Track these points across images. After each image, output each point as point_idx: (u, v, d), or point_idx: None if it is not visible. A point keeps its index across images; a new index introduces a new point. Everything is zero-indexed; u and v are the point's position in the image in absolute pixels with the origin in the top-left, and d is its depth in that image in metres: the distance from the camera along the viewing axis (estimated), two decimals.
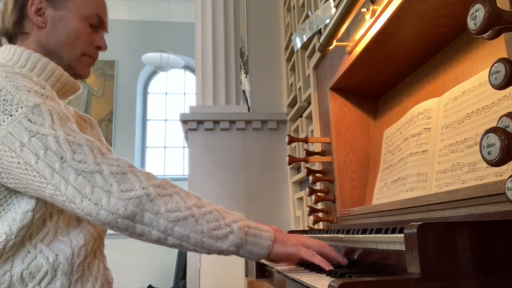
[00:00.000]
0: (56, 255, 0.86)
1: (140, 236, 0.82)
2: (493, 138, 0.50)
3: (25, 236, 0.85)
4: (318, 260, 0.88)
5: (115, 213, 0.78)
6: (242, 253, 0.88)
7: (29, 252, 0.85)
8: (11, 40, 0.99)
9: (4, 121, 0.80)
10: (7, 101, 0.81)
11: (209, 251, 0.86)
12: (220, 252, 0.86)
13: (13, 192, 0.85)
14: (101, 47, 1.05)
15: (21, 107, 0.81)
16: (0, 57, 0.96)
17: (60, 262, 0.86)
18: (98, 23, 1.03)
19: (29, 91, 0.84)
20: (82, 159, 0.80)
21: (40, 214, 0.85)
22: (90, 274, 0.92)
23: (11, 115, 0.80)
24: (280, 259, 0.94)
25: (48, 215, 0.88)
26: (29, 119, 0.80)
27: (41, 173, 0.79)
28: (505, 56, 0.56)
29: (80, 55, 1.01)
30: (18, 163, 0.80)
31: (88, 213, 0.79)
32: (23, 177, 0.80)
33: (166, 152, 6.38)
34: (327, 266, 0.86)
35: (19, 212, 0.84)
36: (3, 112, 0.80)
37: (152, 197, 0.81)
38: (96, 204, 0.78)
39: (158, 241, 0.83)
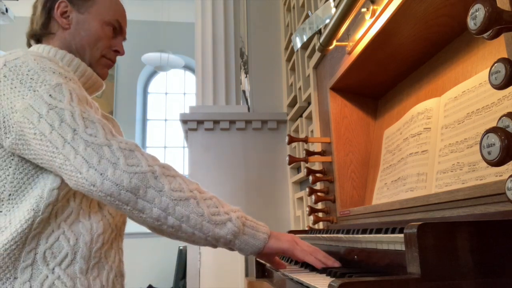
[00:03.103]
0: (77, 238, 0.90)
1: (140, 212, 0.83)
2: (493, 138, 0.50)
3: (51, 214, 0.89)
4: (312, 259, 0.90)
5: (119, 184, 0.81)
6: (238, 244, 0.88)
7: (53, 231, 0.89)
8: (39, 40, 1.07)
9: (27, 95, 0.86)
10: (33, 79, 0.87)
11: (207, 236, 0.86)
12: (218, 238, 0.86)
13: (39, 170, 0.89)
14: (119, 51, 1.13)
15: (45, 85, 0.87)
16: None
17: (80, 246, 0.90)
18: (118, 29, 1.11)
19: (54, 72, 0.90)
20: (93, 133, 0.84)
21: (64, 192, 0.89)
22: (106, 263, 0.96)
23: (34, 91, 0.86)
24: (274, 254, 0.94)
25: (72, 195, 0.92)
26: (50, 95, 0.86)
27: (53, 143, 0.83)
28: (505, 56, 0.56)
29: (100, 57, 1.08)
30: (35, 133, 0.84)
31: (93, 183, 0.81)
32: (38, 147, 0.84)
33: (166, 152, 6.38)
34: (320, 265, 0.88)
35: (45, 189, 0.88)
36: (28, 88, 0.86)
37: (157, 174, 0.84)
38: (101, 174, 0.81)
39: (158, 220, 0.84)
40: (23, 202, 0.88)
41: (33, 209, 0.86)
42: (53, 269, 0.88)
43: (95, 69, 1.08)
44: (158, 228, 0.88)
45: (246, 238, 0.89)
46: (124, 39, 1.15)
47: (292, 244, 0.92)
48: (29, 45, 1.08)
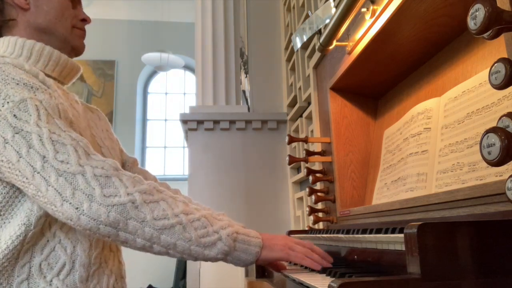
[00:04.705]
0: (74, 246, 0.86)
1: (123, 243, 0.80)
2: (493, 138, 0.50)
3: (45, 225, 0.85)
4: (308, 263, 0.88)
5: (97, 219, 0.76)
6: (230, 260, 0.86)
7: (48, 241, 0.85)
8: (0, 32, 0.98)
9: None
10: None
11: (196, 259, 0.83)
12: (207, 259, 0.84)
13: None
14: (86, 19, 1.05)
15: (7, 102, 0.79)
16: None
17: (78, 254, 0.86)
18: None
19: (17, 84, 0.82)
20: (64, 159, 0.78)
21: None
22: (106, 267, 0.92)
23: None
24: (268, 264, 0.93)
25: None
26: (14, 115, 0.79)
27: (22, 172, 0.77)
28: (505, 56, 0.56)
29: (71, 28, 1.01)
30: (1, 160, 0.79)
31: (69, 218, 0.76)
32: (8, 174, 0.79)
33: (166, 152, 6.37)
34: (318, 267, 0.87)
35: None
36: None
37: (138, 203, 0.78)
38: (77, 208, 0.75)
39: (143, 249, 0.81)
40: (13, 217, 0.84)
41: (24, 224, 0.82)
42: (51, 281, 0.84)
43: (72, 43, 1.01)
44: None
45: (238, 254, 0.85)
46: (81, 7, 1.07)
47: (285, 251, 0.88)
48: None
